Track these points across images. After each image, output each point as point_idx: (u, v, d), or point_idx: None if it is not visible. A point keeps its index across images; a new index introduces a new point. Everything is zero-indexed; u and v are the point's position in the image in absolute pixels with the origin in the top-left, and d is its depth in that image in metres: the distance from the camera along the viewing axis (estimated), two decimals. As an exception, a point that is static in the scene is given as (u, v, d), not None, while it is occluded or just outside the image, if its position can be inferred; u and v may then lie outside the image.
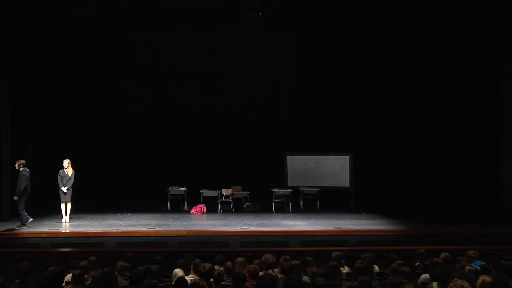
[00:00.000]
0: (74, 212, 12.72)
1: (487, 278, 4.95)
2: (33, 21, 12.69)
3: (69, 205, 11.65)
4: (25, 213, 10.88)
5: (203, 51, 14.82)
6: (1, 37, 11.74)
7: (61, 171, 11.69)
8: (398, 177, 14.61)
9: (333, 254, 7.23)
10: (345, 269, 6.95)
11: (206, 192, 13.84)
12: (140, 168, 14.37)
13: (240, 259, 6.69)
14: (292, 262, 6.35)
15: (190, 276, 6.18)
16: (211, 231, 10.90)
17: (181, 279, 5.60)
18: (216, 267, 6.83)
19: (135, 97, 14.80)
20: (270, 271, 6.27)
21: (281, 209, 13.77)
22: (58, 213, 12.37)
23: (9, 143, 12.00)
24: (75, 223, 11.51)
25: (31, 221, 11.02)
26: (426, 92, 14.38)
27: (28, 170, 11.12)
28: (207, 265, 5.86)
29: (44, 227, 10.87)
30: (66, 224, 11.46)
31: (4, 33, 11.79)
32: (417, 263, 7.19)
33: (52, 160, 13.78)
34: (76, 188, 13.69)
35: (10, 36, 12.00)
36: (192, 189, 14.04)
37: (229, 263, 6.61)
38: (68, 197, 11.61)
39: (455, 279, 4.92)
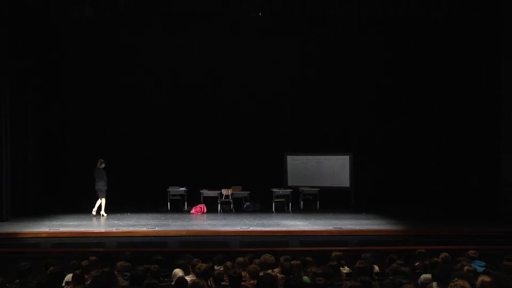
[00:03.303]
0: (74, 212, 12.77)
1: (486, 278, 4.96)
2: (33, 21, 12.69)
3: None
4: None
5: (202, 51, 14.82)
6: (1, 37, 11.72)
7: (98, 169, 12.46)
8: (398, 177, 14.62)
9: (333, 254, 7.23)
10: (345, 269, 6.95)
11: (206, 192, 13.83)
12: (140, 168, 14.35)
13: (240, 259, 6.69)
14: (292, 262, 6.35)
15: (190, 276, 6.19)
16: (211, 231, 10.89)
17: (181, 279, 5.61)
18: (216, 267, 6.84)
19: (135, 97, 14.79)
20: (270, 271, 6.27)
21: (281, 209, 13.77)
22: (57, 213, 12.46)
23: (9, 143, 11.98)
24: (75, 223, 11.51)
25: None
26: (426, 92, 14.39)
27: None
28: (203, 266, 5.86)
29: (44, 227, 10.86)
30: (103, 217, 12.33)
31: (4, 32, 11.78)
32: (417, 263, 7.19)
33: (51, 160, 13.83)
34: (76, 188, 13.77)
35: (10, 36, 11.98)
36: (192, 189, 14.03)
37: (228, 263, 6.62)
38: None
39: (455, 279, 4.92)
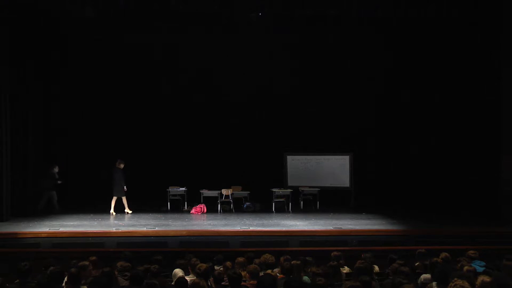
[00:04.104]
0: (75, 212, 12.78)
1: (486, 278, 4.95)
2: (33, 19, 12.69)
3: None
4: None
5: (202, 51, 14.81)
6: (1, 38, 11.71)
7: (116, 169, 12.87)
8: (398, 177, 14.63)
9: (332, 254, 7.22)
10: (345, 269, 6.95)
11: (206, 192, 13.83)
12: (140, 168, 14.34)
13: (240, 259, 6.69)
14: (292, 262, 6.35)
15: (190, 276, 6.18)
16: (211, 231, 10.90)
17: (181, 279, 5.60)
18: (216, 267, 6.83)
19: (135, 97, 14.81)
20: (269, 271, 6.27)
21: (281, 209, 13.76)
22: (57, 213, 12.46)
23: (9, 143, 11.97)
24: (75, 223, 11.51)
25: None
26: (426, 92, 14.38)
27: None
28: (203, 266, 5.85)
29: (44, 227, 10.86)
30: (112, 215, 12.70)
31: (4, 33, 11.76)
32: (417, 263, 7.19)
33: (52, 160, 13.82)
34: (77, 187, 13.73)
35: (10, 36, 11.96)
36: (192, 189, 14.03)
37: (228, 263, 6.61)
38: None
39: (455, 279, 4.91)
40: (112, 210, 12.81)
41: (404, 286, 5.23)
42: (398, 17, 12.82)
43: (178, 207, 13.87)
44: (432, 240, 9.85)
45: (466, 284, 4.76)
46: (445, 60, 13.74)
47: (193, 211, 13.41)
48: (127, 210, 12.96)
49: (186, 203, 14.00)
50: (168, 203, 13.83)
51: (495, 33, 12.41)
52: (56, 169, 13.12)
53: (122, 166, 12.99)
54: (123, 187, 12.91)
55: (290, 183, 15.04)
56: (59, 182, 13.08)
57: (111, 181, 12.86)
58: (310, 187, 14.57)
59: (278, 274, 6.11)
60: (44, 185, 12.92)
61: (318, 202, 14.25)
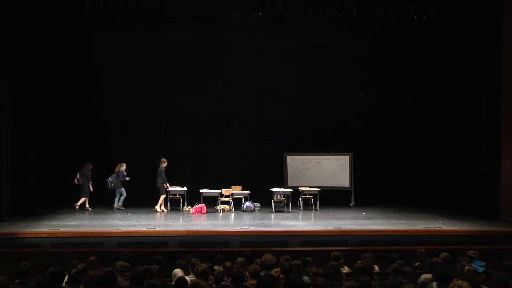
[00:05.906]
0: (74, 212, 12.75)
1: None
2: (33, 17, 12.67)
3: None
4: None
5: (202, 51, 14.83)
6: (1, 35, 11.70)
7: (159, 168, 13.34)
8: (398, 177, 14.63)
9: (332, 254, 7.22)
10: (345, 269, 6.95)
11: (206, 192, 13.82)
12: (140, 168, 14.35)
13: (240, 259, 6.69)
14: (292, 262, 6.35)
15: (190, 276, 6.19)
16: (211, 231, 10.89)
17: (181, 279, 5.60)
18: (216, 267, 6.83)
19: (135, 96, 14.82)
20: (273, 271, 6.26)
21: (281, 209, 13.77)
22: (58, 213, 12.50)
23: (9, 143, 11.96)
24: (75, 223, 11.50)
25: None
26: (426, 92, 14.38)
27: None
28: (202, 266, 5.85)
29: (44, 227, 10.85)
30: (163, 212, 13.18)
31: (4, 30, 11.74)
32: (417, 263, 7.19)
33: (52, 159, 13.83)
34: (77, 187, 13.68)
35: (10, 33, 11.94)
36: (192, 189, 14.02)
37: (228, 263, 6.61)
38: None
39: (455, 279, 4.91)
40: (162, 208, 13.33)
41: (404, 286, 5.24)
42: (398, 17, 12.80)
43: (178, 207, 13.86)
44: (432, 240, 9.85)
45: (466, 284, 4.75)
46: (446, 60, 13.73)
47: (193, 211, 13.41)
48: (162, 208, 13.32)
49: (186, 203, 13.99)
50: (168, 203, 13.82)
51: (495, 33, 12.39)
52: (124, 167, 13.62)
53: (164, 164, 13.37)
54: (161, 184, 13.31)
55: (290, 183, 15.02)
56: (127, 179, 13.57)
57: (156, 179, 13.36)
58: (310, 187, 14.55)
59: (278, 275, 6.11)
60: (115, 183, 13.46)
61: (318, 202, 14.24)
